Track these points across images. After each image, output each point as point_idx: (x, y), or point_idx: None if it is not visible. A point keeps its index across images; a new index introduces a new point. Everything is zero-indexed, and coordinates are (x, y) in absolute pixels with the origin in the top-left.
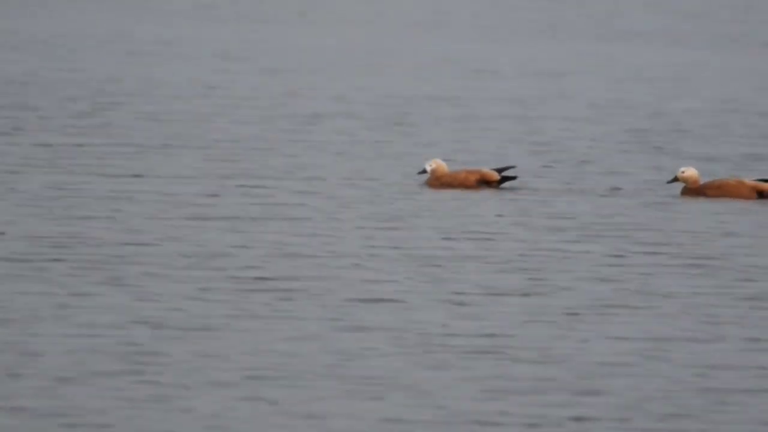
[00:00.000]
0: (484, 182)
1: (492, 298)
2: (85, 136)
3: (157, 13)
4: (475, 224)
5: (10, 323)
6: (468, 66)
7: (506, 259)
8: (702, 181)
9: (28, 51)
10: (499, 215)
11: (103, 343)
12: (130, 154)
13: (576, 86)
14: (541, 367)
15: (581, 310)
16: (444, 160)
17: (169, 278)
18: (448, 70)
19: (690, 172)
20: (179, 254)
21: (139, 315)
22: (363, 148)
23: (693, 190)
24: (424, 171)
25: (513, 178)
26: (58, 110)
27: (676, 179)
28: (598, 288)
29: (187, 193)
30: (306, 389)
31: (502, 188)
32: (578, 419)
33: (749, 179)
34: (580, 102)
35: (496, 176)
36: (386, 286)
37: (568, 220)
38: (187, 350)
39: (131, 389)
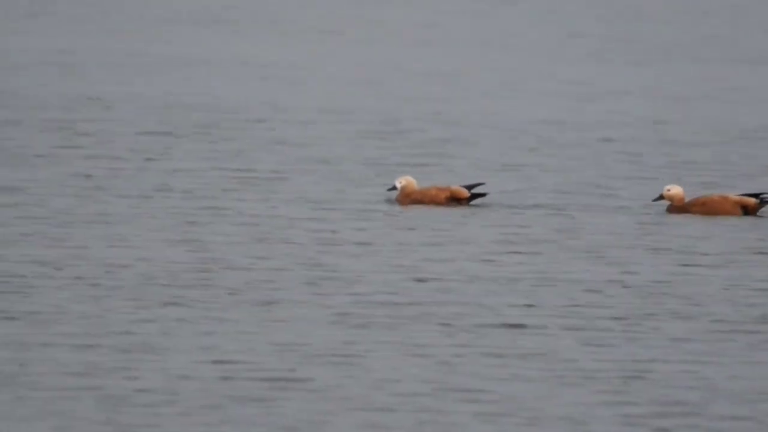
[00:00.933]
0: (454, 199)
1: (632, 322)
2: (216, 161)
3: (283, 37)
4: (612, 248)
5: (150, 351)
6: (596, 90)
7: (647, 283)
8: (687, 198)
9: (162, 74)
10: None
11: (240, 369)
12: (260, 180)
13: (705, 110)
14: (690, 392)
15: (726, 334)
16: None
17: (302, 303)
18: (576, 94)
19: (675, 190)
20: (311, 279)
21: (275, 340)
22: (493, 172)
23: (678, 208)
24: (394, 188)
25: (483, 195)
26: (191, 135)
27: (661, 197)
28: (739, 311)
29: (318, 218)
30: (444, 414)
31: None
32: None
33: (734, 194)
34: (711, 126)
35: (466, 193)
36: (524, 311)
37: (707, 243)
38: (323, 376)
39: (271, 415)
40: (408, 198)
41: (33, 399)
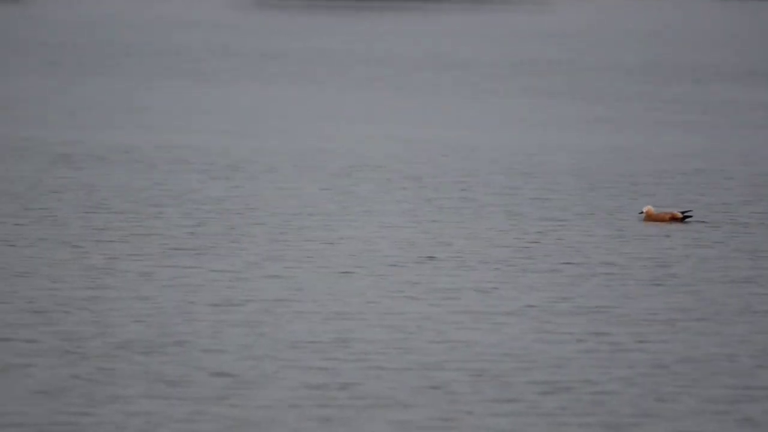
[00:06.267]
0: (674, 219)
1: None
2: None
3: None
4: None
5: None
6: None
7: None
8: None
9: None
10: None
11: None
12: None
13: None
14: None
15: None
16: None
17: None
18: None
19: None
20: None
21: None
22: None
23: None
24: (642, 212)
25: (690, 216)
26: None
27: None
28: None
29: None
30: None
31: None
32: None
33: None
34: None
35: (680, 215)
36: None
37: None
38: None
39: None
40: (649, 218)
41: None
